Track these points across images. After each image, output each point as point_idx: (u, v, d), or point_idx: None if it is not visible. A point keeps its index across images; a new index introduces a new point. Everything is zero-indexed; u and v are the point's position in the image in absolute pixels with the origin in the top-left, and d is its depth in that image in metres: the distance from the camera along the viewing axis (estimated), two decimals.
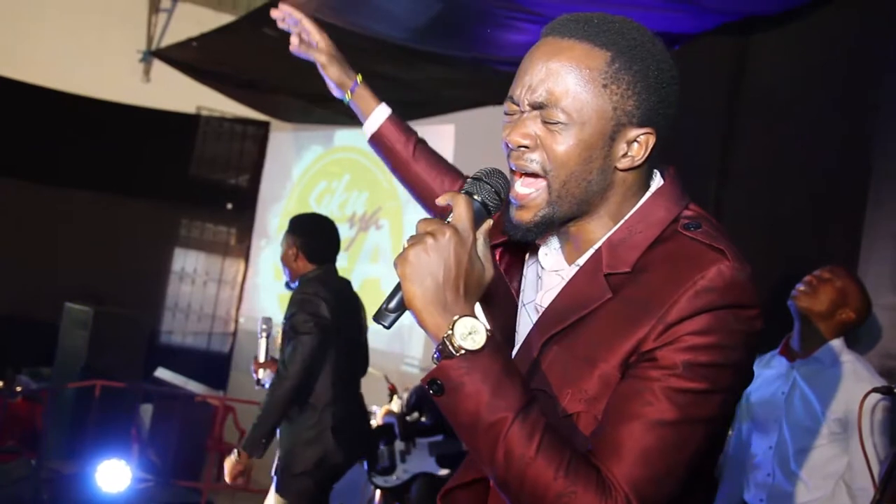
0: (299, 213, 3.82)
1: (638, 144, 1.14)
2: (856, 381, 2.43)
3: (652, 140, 1.14)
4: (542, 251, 1.24)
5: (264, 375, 3.40)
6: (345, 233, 7.61)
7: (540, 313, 1.19)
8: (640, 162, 1.15)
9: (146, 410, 6.22)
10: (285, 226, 3.60)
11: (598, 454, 1.04)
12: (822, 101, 3.70)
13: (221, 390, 7.85)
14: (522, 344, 1.19)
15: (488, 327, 1.05)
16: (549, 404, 1.10)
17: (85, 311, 5.86)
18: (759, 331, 1.10)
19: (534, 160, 1.13)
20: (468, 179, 1.14)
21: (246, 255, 8.56)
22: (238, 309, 8.55)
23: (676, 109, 1.17)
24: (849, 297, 2.56)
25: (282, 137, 8.53)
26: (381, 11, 4.75)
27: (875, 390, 2.12)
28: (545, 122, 1.12)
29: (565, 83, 1.10)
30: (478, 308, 1.13)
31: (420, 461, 4.44)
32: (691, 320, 1.04)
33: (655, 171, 1.21)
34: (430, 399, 4.75)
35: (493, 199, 1.12)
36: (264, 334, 3.38)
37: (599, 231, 1.17)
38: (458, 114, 6.45)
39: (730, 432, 3.02)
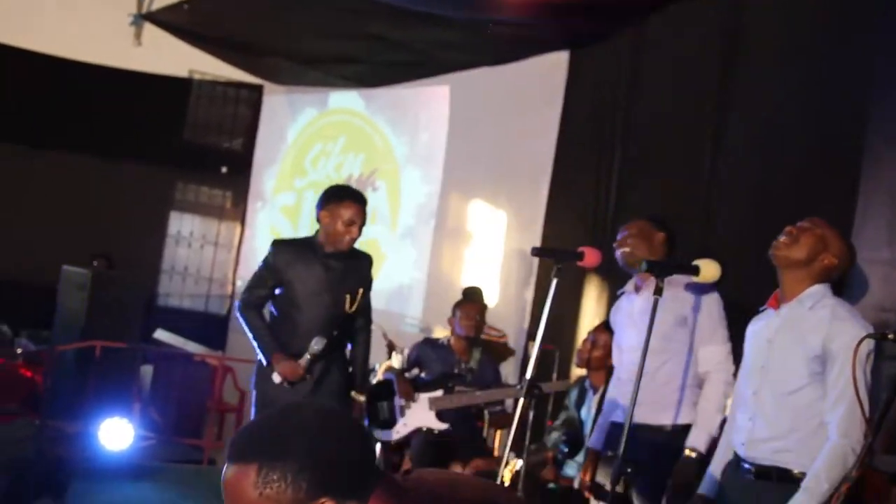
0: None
1: None
2: (834, 319, 2.46)
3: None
4: None
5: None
6: None
7: None
8: None
9: (146, 371, 6.27)
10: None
11: None
12: (818, 57, 3.71)
13: (220, 351, 7.91)
14: None
15: None
16: None
17: (83, 274, 5.87)
18: None
19: None
20: None
21: (242, 218, 8.56)
22: (235, 272, 8.58)
23: (346, 465, 1.29)
24: (829, 242, 2.58)
25: (276, 100, 8.49)
26: None
27: (870, 336, 2.15)
28: None
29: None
30: None
31: (419, 415, 4.49)
32: None
33: None
34: (431, 355, 4.77)
35: None
36: None
37: None
38: (453, 74, 6.41)
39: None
